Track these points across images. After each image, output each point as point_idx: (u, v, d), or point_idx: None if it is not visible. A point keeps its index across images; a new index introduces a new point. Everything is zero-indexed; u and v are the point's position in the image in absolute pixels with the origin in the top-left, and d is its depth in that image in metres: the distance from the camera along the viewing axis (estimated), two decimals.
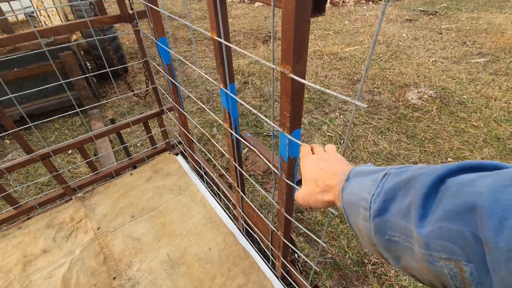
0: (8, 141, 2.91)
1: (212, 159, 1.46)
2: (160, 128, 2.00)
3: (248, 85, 3.70)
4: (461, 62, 4.00)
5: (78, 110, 1.54)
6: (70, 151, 2.69)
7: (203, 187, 1.80)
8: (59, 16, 3.73)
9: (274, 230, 1.16)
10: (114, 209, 1.70)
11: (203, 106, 1.13)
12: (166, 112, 1.93)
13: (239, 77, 3.91)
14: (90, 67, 3.26)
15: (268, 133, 2.82)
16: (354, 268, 1.71)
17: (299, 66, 0.59)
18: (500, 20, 5.34)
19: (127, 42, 5.28)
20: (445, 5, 6.51)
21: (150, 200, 1.74)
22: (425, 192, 0.29)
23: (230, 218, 1.61)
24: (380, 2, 6.86)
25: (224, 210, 1.66)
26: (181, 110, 1.68)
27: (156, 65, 1.56)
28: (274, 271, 1.37)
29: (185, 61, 1.06)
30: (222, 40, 0.79)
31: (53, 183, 2.37)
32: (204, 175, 1.82)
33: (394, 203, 0.32)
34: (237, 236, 1.50)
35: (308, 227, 1.94)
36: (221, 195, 1.74)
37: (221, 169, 1.51)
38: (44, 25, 3.01)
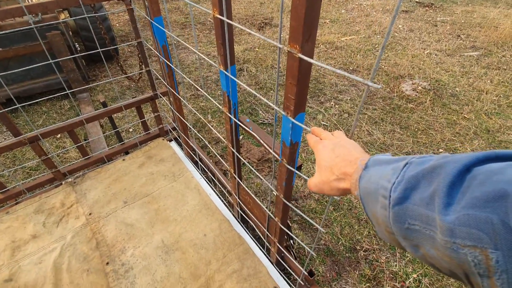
0: None
1: (208, 145, 1.44)
2: (154, 113, 1.95)
3: (243, 72, 3.64)
4: (455, 55, 4.03)
5: (67, 92, 1.48)
6: (59, 136, 2.60)
7: (198, 174, 1.78)
8: None
9: (271, 216, 1.16)
10: (106, 194, 1.66)
11: (201, 90, 1.10)
12: (160, 97, 1.88)
13: None
14: (79, 49, 3.13)
15: (263, 121, 2.80)
16: (347, 254, 1.74)
17: (308, 45, 0.56)
18: (494, 15, 5.37)
19: (117, 25, 5.10)
20: None
21: (143, 186, 1.71)
22: (450, 180, 0.29)
23: (225, 205, 1.60)
24: None
25: (219, 197, 1.65)
26: (177, 95, 1.64)
27: (149, 48, 1.50)
28: (269, 257, 1.38)
29: (183, 42, 1.02)
30: (224, 18, 0.76)
31: (41, 168, 2.30)
32: (199, 162, 1.79)
33: (416, 192, 0.32)
34: (232, 223, 1.50)
35: None
36: (216, 182, 1.73)
37: (217, 156, 1.49)
38: (31, 1, 2.86)
